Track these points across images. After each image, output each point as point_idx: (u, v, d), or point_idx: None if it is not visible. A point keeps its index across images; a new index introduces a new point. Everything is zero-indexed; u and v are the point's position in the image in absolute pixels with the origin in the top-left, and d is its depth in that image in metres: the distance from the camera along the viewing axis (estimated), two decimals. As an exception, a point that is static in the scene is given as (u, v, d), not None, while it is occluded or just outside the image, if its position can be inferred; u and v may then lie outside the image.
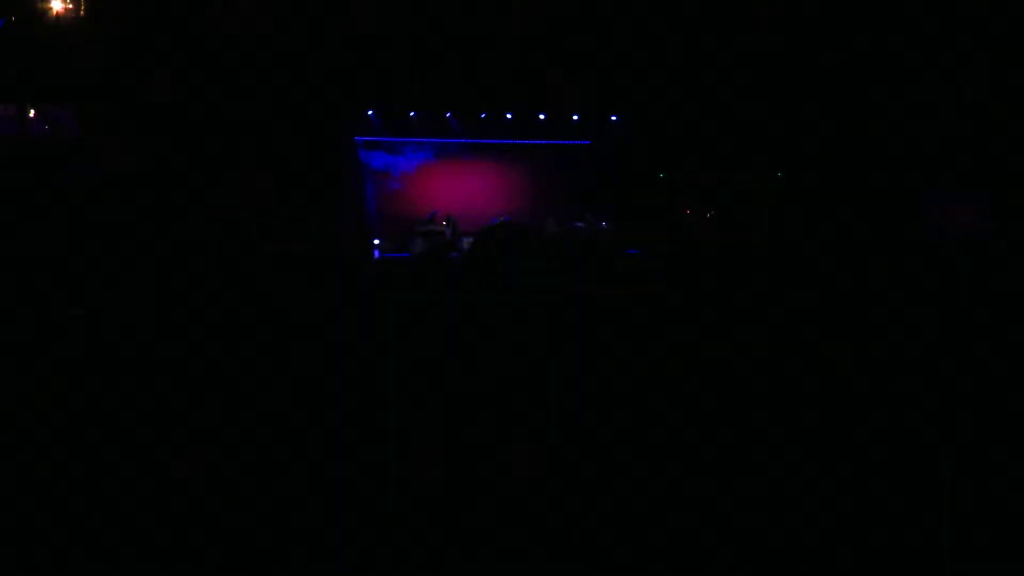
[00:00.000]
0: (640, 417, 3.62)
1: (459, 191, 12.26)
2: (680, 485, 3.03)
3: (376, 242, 11.25)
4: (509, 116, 11.79)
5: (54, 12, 8.60)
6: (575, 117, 12.02)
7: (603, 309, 5.30)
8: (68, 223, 7.43)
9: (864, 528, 2.76)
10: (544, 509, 2.85)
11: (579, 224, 11.81)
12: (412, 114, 11.41)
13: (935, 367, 4.23)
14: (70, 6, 8.63)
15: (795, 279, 6.08)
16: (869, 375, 4.20)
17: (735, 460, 3.20)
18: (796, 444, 3.37)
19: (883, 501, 2.93)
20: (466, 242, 10.75)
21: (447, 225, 11.34)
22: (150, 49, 8.64)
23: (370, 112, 11.21)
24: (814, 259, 7.15)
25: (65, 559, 2.58)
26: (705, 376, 4.16)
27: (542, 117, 11.97)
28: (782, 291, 5.63)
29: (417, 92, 10.69)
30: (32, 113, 8.91)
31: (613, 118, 12.08)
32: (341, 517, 2.77)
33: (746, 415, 3.64)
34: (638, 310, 5.49)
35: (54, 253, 6.46)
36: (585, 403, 3.75)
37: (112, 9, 8.77)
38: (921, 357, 4.42)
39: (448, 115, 11.65)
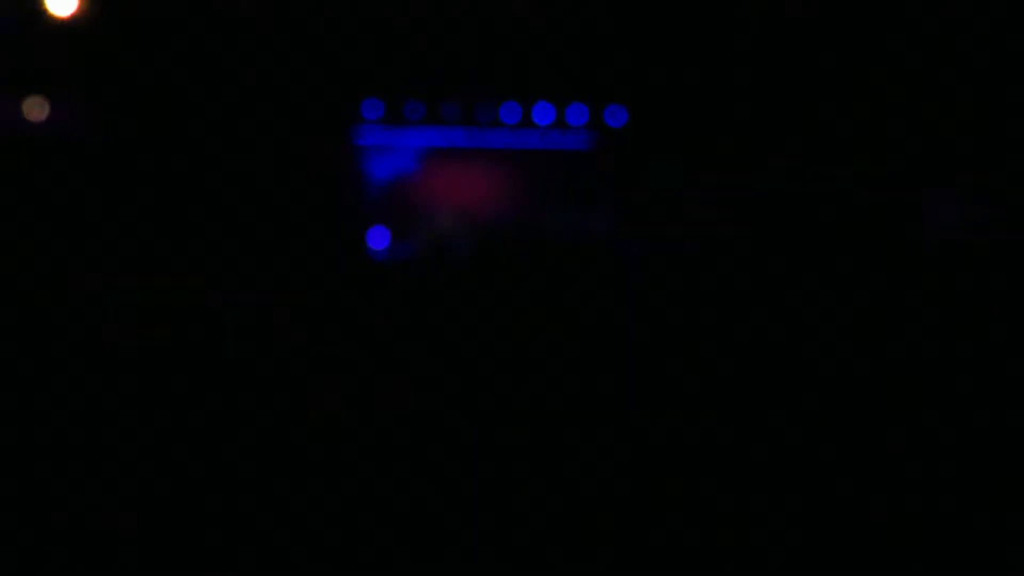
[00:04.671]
0: (641, 418, 3.63)
1: (460, 190, 12.23)
2: (681, 486, 3.03)
3: (376, 239, 11.21)
4: (510, 113, 11.77)
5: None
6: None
7: (604, 308, 5.30)
8: (67, 219, 7.43)
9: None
10: (548, 511, 2.85)
11: (580, 220, 11.79)
12: (413, 113, 11.38)
13: (937, 370, 4.24)
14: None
15: (797, 278, 6.08)
16: (872, 374, 4.21)
17: (740, 463, 3.20)
18: (799, 446, 3.37)
19: (880, 501, 2.93)
20: (466, 238, 10.72)
21: (447, 222, 11.30)
22: (151, 45, 8.62)
23: (370, 111, 11.18)
24: (815, 258, 7.15)
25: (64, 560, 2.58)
26: (708, 376, 4.16)
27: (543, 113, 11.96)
28: (784, 290, 5.64)
29: (417, 90, 10.67)
30: (33, 108, 8.88)
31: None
32: (342, 524, 2.77)
33: (749, 416, 3.65)
34: (638, 304, 5.50)
35: (53, 249, 6.46)
36: (588, 404, 3.75)
37: (114, 4, 8.75)
38: (923, 359, 4.43)
39: (448, 113, 11.61)
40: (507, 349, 4.35)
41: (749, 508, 2.87)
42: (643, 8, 10.24)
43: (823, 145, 10.11)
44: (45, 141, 8.70)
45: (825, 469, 3.17)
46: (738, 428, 3.54)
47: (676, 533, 2.70)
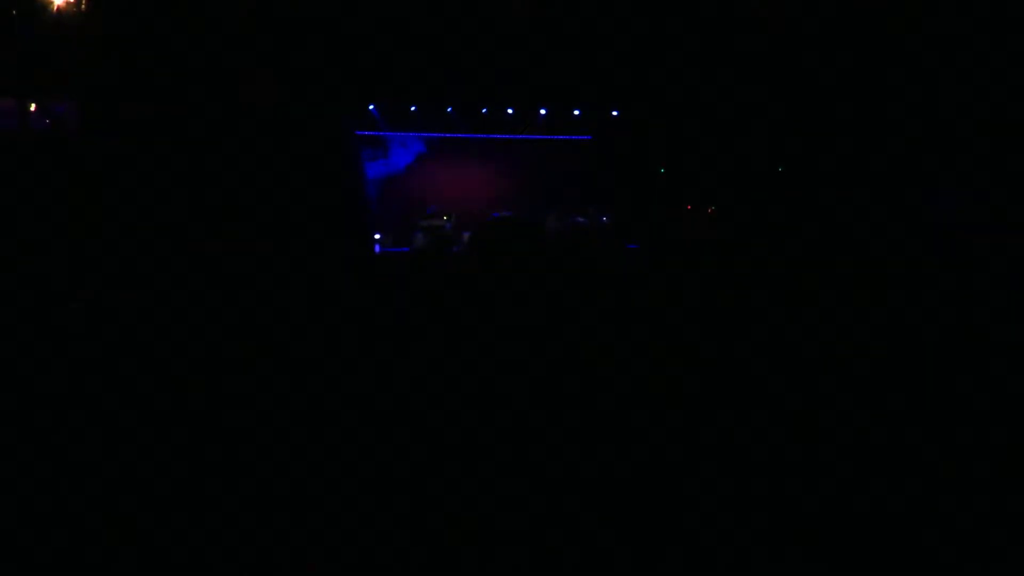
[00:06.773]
0: (636, 411, 3.63)
1: (460, 186, 12.26)
2: (673, 479, 3.03)
3: (377, 237, 11.23)
4: (510, 111, 11.77)
5: (55, 7, 8.60)
6: (576, 112, 12.01)
7: (603, 303, 5.30)
8: (68, 218, 7.44)
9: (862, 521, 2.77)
10: (545, 498, 2.86)
11: (580, 219, 11.81)
12: (413, 108, 11.38)
13: (940, 361, 4.24)
14: (72, 1, 8.62)
15: (794, 274, 6.08)
16: (869, 368, 4.21)
17: (732, 454, 3.20)
18: (796, 437, 3.38)
19: (886, 488, 2.92)
20: (466, 237, 10.75)
21: (448, 220, 11.32)
22: (151, 45, 8.64)
23: (371, 106, 11.19)
24: (813, 254, 7.16)
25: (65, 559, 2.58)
26: (702, 369, 4.17)
27: (543, 112, 11.96)
28: (782, 286, 5.64)
29: (418, 86, 10.68)
30: (33, 108, 8.91)
31: (614, 113, 12.07)
32: (348, 516, 2.77)
33: (745, 410, 3.65)
34: (637, 304, 5.50)
35: (54, 248, 6.47)
36: (584, 397, 3.76)
37: (113, 4, 8.76)
38: (924, 350, 4.42)
39: (449, 109, 11.61)
40: (504, 339, 4.36)
41: (750, 502, 2.88)
42: (638, 12, 10.28)
43: (820, 144, 10.12)
44: (44, 136, 8.72)
45: (823, 463, 3.18)
46: (737, 419, 3.55)
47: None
